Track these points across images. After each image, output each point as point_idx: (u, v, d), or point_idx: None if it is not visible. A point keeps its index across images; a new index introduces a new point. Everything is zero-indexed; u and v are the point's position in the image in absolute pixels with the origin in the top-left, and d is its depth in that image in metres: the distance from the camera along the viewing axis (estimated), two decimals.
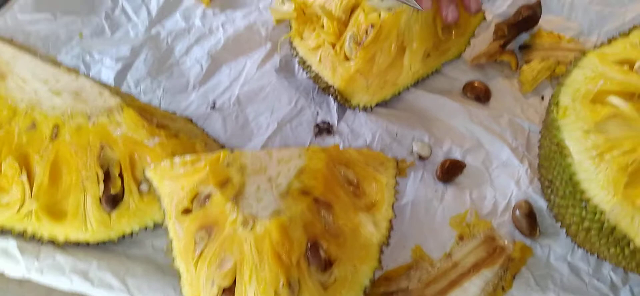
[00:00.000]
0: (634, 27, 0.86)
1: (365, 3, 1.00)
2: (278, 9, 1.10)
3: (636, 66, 0.81)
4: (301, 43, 1.07)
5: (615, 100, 0.77)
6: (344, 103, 1.05)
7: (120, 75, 1.13)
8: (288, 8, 1.08)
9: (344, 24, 1.02)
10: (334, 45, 1.02)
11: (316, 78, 1.05)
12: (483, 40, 1.19)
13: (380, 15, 0.98)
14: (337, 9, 1.01)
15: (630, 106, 0.76)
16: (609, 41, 0.86)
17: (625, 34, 0.86)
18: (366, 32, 0.98)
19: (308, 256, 0.74)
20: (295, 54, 1.09)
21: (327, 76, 1.03)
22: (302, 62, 1.08)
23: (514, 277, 0.88)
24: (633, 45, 0.83)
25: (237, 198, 0.75)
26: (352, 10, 1.01)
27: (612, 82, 0.80)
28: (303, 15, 1.06)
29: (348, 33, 1.00)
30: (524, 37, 1.20)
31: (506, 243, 0.91)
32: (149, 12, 1.24)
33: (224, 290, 0.73)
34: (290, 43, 1.11)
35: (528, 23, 1.17)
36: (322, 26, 1.04)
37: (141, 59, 1.16)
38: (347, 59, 1.02)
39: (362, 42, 0.98)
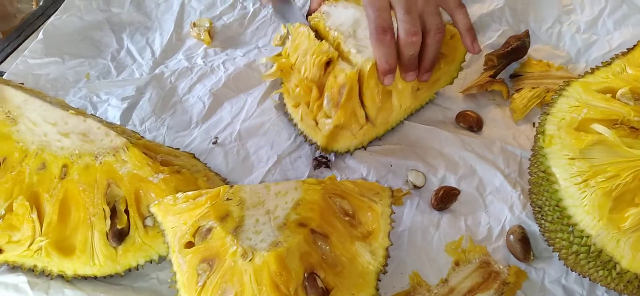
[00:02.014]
0: (616, 57, 0.90)
1: (337, 66, 1.02)
2: (267, 71, 1.13)
3: (618, 94, 0.84)
4: (288, 99, 1.12)
5: (598, 127, 0.80)
6: (332, 153, 1.08)
7: (126, 114, 1.18)
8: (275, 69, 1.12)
9: (320, 80, 1.04)
10: (308, 104, 1.06)
11: (302, 134, 1.10)
12: (474, 70, 1.23)
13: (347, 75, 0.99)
14: (311, 68, 1.04)
15: (613, 132, 0.79)
16: (592, 70, 0.90)
17: (608, 63, 0.90)
18: (339, 92, 1.01)
19: (306, 286, 0.77)
20: (285, 110, 1.14)
21: (310, 134, 1.07)
22: (291, 119, 1.12)
23: None
24: (615, 74, 0.87)
25: (237, 231, 0.78)
26: (327, 64, 1.04)
27: (596, 111, 0.83)
28: (289, 71, 1.10)
29: (326, 94, 1.03)
30: (514, 66, 1.24)
31: (501, 267, 0.94)
32: (152, 53, 1.30)
33: None
34: (281, 98, 1.16)
35: (517, 53, 1.22)
36: (296, 87, 1.07)
37: (146, 98, 1.20)
38: (327, 116, 1.04)
39: (339, 102, 1.01)
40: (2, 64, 1.29)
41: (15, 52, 1.31)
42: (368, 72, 1.00)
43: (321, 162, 1.09)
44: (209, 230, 0.80)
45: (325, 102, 1.04)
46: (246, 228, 0.79)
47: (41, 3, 1.46)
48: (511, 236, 0.96)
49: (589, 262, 0.78)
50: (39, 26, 1.36)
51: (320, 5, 1.15)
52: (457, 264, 0.95)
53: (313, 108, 1.06)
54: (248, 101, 1.20)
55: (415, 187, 1.04)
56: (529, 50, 1.24)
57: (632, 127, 0.80)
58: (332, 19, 1.09)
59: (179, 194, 0.85)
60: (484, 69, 1.21)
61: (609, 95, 0.84)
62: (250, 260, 0.75)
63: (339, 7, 1.12)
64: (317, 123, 1.06)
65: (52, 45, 1.28)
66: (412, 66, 1.02)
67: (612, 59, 0.90)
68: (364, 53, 1.02)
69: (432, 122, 1.15)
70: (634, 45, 0.90)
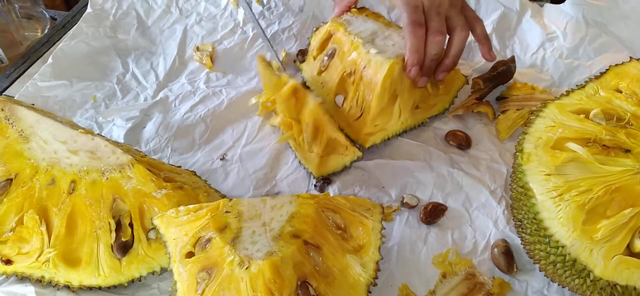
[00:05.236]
0: (589, 80, 0.96)
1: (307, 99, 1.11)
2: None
3: (591, 114, 0.90)
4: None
5: (573, 146, 0.86)
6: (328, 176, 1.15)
7: (130, 134, 1.22)
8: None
9: (296, 109, 1.14)
10: (295, 139, 1.15)
11: (300, 162, 1.17)
12: (463, 93, 1.29)
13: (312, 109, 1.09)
14: (279, 106, 1.13)
15: (586, 150, 0.84)
16: (568, 93, 0.96)
17: (582, 86, 0.96)
18: (307, 125, 1.09)
19: (298, 294, 0.81)
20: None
21: (304, 163, 1.15)
22: (291, 146, 1.20)
23: None
24: (588, 96, 0.93)
25: (235, 241, 0.83)
26: (295, 95, 1.13)
27: (570, 130, 0.89)
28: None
29: (304, 130, 1.12)
30: (501, 89, 1.30)
31: (486, 279, 0.98)
32: (156, 77, 1.36)
33: None
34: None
35: (503, 77, 1.28)
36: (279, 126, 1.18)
37: (150, 121, 1.25)
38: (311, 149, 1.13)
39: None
40: (9, 89, 1.35)
41: (21, 77, 1.36)
42: (388, 70, 1.08)
43: (323, 186, 1.14)
44: (209, 241, 0.85)
45: (305, 137, 1.12)
46: (243, 238, 0.84)
47: (46, 31, 1.52)
48: (495, 250, 1.00)
49: (565, 271, 0.83)
50: (44, 53, 1.42)
51: (344, 12, 1.26)
52: (444, 276, 0.99)
53: (299, 142, 1.14)
54: (249, 125, 1.25)
55: (410, 206, 1.09)
56: (514, 74, 1.30)
57: (604, 146, 0.85)
58: (353, 26, 1.20)
59: (181, 208, 0.90)
60: (471, 92, 1.27)
61: (582, 116, 0.90)
62: (246, 268, 0.80)
63: (360, 19, 1.23)
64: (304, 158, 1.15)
65: (61, 69, 1.33)
66: (429, 69, 1.11)
67: (586, 82, 0.96)
68: (385, 53, 1.11)
69: (422, 140, 1.21)
70: (606, 70, 0.96)
